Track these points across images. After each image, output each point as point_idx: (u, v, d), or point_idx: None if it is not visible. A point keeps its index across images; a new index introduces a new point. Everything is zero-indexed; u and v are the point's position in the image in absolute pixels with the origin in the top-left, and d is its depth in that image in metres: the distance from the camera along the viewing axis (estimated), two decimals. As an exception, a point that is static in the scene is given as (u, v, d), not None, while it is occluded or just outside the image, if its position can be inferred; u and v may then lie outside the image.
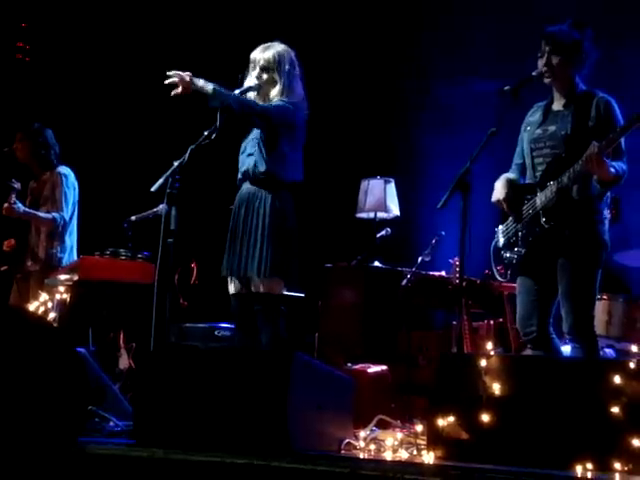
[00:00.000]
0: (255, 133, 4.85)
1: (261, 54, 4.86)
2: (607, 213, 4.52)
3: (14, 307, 5.78)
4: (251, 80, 4.86)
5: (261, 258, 4.70)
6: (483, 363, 3.74)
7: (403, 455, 4.01)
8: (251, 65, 4.89)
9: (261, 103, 4.80)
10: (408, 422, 5.20)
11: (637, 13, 6.76)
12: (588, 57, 4.55)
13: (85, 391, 3.81)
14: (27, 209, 6.56)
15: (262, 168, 4.76)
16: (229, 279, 4.89)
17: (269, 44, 4.89)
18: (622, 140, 4.38)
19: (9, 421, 3.57)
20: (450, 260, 6.35)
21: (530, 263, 4.57)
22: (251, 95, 4.87)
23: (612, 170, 4.32)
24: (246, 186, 4.85)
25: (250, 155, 4.83)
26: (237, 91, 4.80)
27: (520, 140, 4.75)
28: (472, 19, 7.62)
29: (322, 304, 6.89)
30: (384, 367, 6.12)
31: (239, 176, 4.91)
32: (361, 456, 4.02)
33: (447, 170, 4.75)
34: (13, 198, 6.44)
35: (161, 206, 5.30)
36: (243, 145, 4.93)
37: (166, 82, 4.69)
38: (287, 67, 4.86)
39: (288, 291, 5.16)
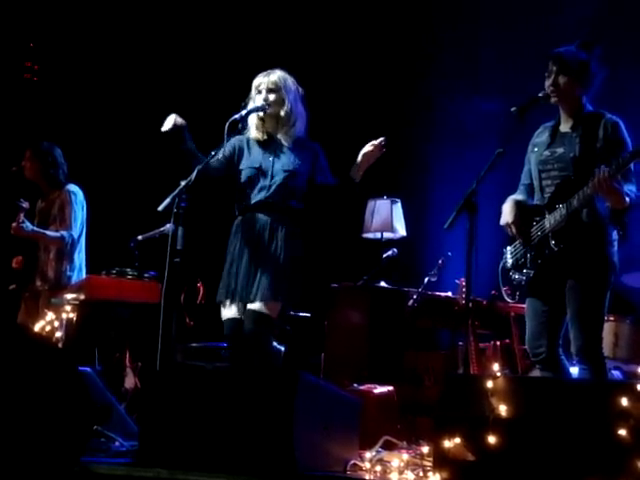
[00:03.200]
0: (284, 165, 4.88)
1: (266, 78, 4.94)
2: (616, 235, 4.51)
3: (18, 326, 5.79)
4: (257, 102, 4.90)
5: (266, 285, 4.70)
6: (489, 384, 3.73)
7: (409, 477, 3.99)
8: (254, 91, 4.95)
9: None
10: (414, 443, 5.18)
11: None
12: (595, 77, 4.55)
13: (88, 411, 3.81)
14: (35, 228, 6.56)
15: (287, 202, 4.83)
16: (226, 304, 4.85)
17: (270, 70, 4.98)
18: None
19: (11, 440, 3.56)
20: (456, 281, 6.33)
21: (539, 285, 4.56)
22: (254, 116, 4.92)
23: (627, 199, 4.30)
24: (258, 214, 4.85)
25: (275, 186, 4.85)
26: (243, 112, 4.84)
27: (527, 161, 4.74)
28: (481, 37, 7.63)
29: (328, 324, 6.87)
30: (390, 388, 6.10)
31: (249, 203, 4.88)
32: (367, 477, 4.01)
33: (454, 190, 4.75)
34: (22, 217, 6.45)
35: (168, 226, 5.31)
36: (263, 168, 4.90)
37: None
38: (293, 88, 4.97)
39: (292, 311, 5.17)
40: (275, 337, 4.88)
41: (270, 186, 4.86)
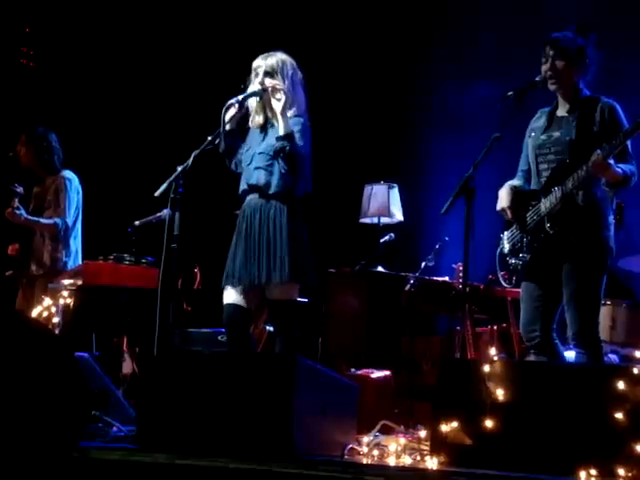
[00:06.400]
0: (264, 148, 4.85)
1: (264, 61, 4.90)
2: (612, 219, 4.51)
3: (14, 312, 5.78)
4: (254, 86, 4.88)
5: (283, 264, 4.68)
6: (486, 369, 3.74)
7: (406, 461, 4.00)
8: (253, 73, 4.92)
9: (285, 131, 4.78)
10: (411, 427, 5.19)
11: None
12: (592, 62, 4.56)
13: (84, 397, 3.81)
14: (28, 216, 6.53)
15: (279, 187, 4.77)
16: (230, 287, 4.84)
17: (271, 52, 4.94)
18: (629, 143, 4.38)
19: (8, 426, 3.57)
20: (454, 265, 6.34)
21: (535, 269, 4.56)
22: (253, 100, 4.90)
23: (619, 170, 4.32)
24: (255, 197, 4.84)
25: (258, 169, 4.82)
26: (240, 96, 4.82)
27: (525, 146, 4.74)
28: (479, 23, 7.62)
29: (325, 309, 6.88)
30: (387, 372, 6.12)
31: (244, 187, 4.88)
32: (364, 461, 4.02)
33: (451, 175, 4.75)
34: (16, 203, 6.44)
35: (165, 211, 5.31)
36: (246, 155, 4.92)
37: None
38: (290, 72, 4.90)
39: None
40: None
41: (255, 168, 4.84)
